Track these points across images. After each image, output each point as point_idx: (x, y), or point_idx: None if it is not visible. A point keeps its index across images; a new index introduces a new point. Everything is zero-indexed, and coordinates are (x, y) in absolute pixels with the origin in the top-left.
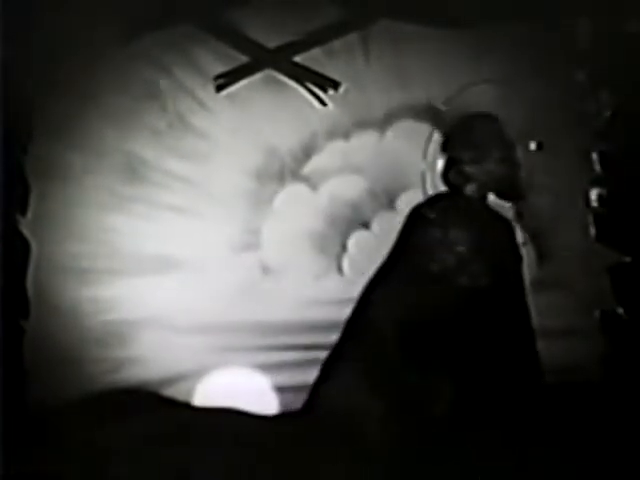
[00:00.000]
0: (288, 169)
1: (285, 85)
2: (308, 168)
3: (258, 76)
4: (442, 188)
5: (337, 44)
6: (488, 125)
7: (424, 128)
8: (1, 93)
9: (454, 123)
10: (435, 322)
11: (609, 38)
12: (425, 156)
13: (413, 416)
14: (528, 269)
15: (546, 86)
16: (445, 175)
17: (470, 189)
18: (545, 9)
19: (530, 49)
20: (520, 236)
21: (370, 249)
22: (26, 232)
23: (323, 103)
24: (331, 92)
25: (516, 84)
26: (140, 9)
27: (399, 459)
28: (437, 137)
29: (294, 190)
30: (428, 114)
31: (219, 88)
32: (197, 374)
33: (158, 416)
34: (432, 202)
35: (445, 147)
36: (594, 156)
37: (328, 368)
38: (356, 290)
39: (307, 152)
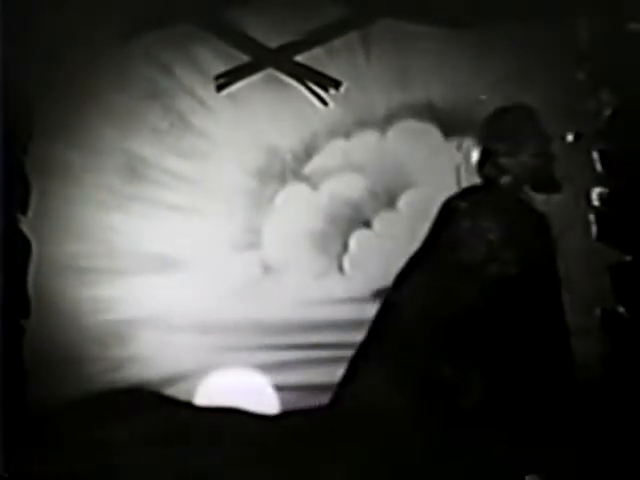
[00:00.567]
0: (289, 168)
1: (286, 84)
2: (309, 167)
3: (259, 75)
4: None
5: (338, 43)
6: (524, 116)
7: (425, 127)
8: (1, 93)
9: (490, 114)
10: (466, 314)
11: (609, 38)
12: (460, 148)
13: (442, 409)
14: None
15: (546, 86)
16: (480, 167)
17: (505, 181)
18: (545, 9)
19: (530, 49)
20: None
21: (371, 248)
22: (26, 231)
23: (324, 102)
24: (332, 91)
25: (516, 84)
26: (140, 8)
27: (428, 453)
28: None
29: (295, 189)
30: (429, 113)
31: (220, 87)
32: (197, 373)
33: (159, 416)
34: (465, 194)
35: (481, 139)
36: (595, 155)
37: (356, 364)
38: (357, 289)
39: (308, 151)
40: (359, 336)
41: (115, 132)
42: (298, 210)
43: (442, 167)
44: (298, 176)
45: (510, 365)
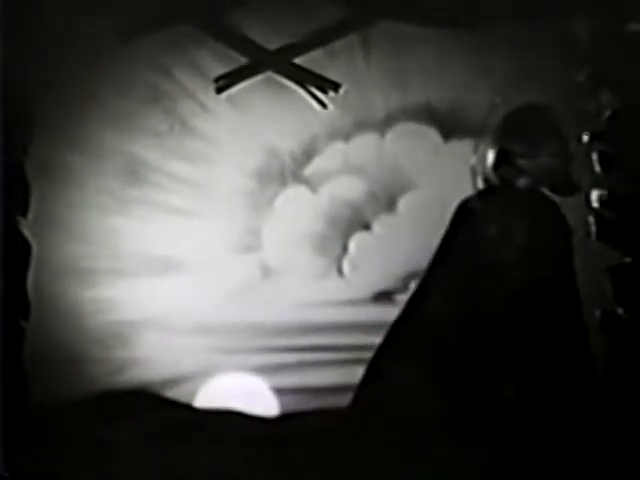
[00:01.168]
0: (289, 171)
1: (285, 87)
2: (309, 170)
3: (258, 78)
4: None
5: (337, 45)
6: (541, 116)
7: (424, 129)
8: (1, 93)
9: (506, 114)
10: (483, 317)
11: (609, 38)
12: (476, 150)
13: (471, 411)
14: None
15: (546, 86)
16: (496, 168)
17: (522, 183)
18: (545, 9)
19: (530, 49)
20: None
21: (370, 251)
22: (27, 233)
23: (323, 105)
24: (331, 94)
25: (516, 84)
26: (140, 10)
27: (458, 455)
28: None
29: (295, 192)
30: (428, 115)
31: (219, 90)
32: (198, 375)
33: (159, 417)
34: (481, 195)
35: (496, 139)
36: (594, 156)
37: (376, 367)
38: (356, 292)
39: (307, 154)
40: (359, 339)
41: (115, 135)
42: (298, 212)
43: (442, 169)
44: (298, 178)
45: (538, 366)
